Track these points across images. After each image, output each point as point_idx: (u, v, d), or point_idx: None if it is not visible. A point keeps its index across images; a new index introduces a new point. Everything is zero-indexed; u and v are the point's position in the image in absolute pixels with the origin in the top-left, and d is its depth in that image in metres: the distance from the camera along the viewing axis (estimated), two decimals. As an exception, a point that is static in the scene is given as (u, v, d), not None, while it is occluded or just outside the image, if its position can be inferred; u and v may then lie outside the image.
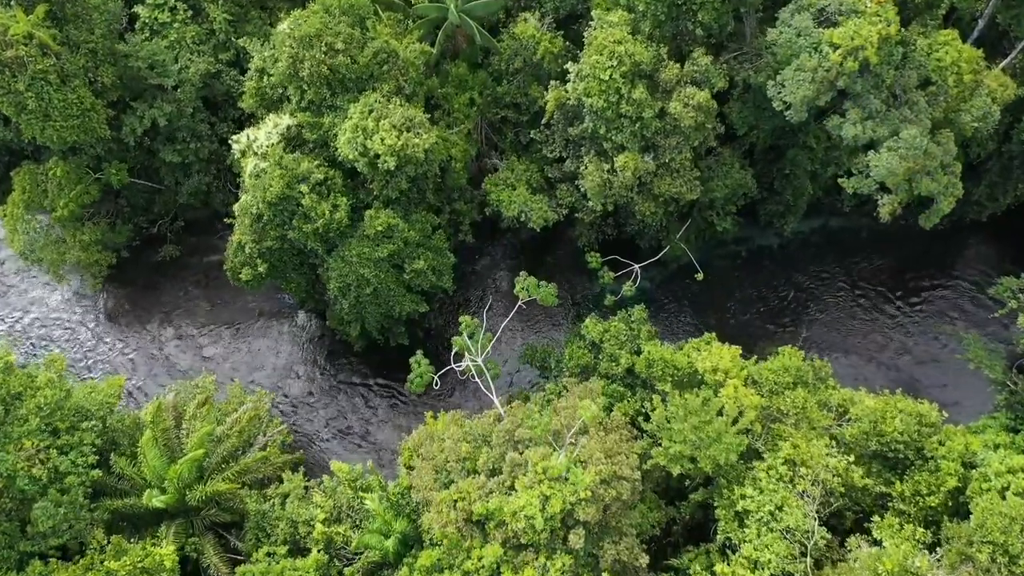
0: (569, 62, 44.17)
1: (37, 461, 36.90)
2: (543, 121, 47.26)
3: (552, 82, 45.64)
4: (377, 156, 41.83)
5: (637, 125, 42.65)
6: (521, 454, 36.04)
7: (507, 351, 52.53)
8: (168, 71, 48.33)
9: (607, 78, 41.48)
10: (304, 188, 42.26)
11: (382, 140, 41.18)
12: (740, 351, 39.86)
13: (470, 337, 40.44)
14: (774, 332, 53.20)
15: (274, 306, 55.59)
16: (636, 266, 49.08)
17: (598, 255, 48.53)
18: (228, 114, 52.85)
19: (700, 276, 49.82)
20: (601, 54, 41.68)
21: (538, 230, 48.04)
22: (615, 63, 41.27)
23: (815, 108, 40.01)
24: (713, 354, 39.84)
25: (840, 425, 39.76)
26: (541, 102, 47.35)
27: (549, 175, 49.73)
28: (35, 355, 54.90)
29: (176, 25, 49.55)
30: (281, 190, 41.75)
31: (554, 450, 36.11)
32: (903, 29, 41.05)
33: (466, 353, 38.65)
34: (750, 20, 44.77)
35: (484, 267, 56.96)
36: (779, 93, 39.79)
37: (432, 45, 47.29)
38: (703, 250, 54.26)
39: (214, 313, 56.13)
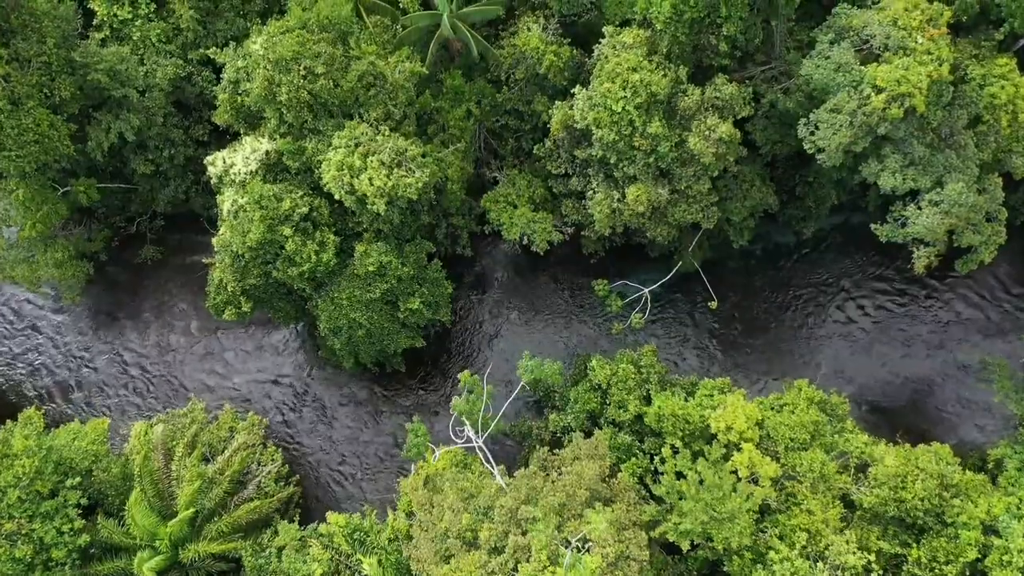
0: (577, 85, 39.49)
1: (19, 538, 35.40)
2: (547, 144, 42.96)
3: (557, 102, 41.09)
4: (366, 195, 38.13)
5: (652, 158, 38.63)
6: (524, 535, 34.57)
7: (510, 350, 50.02)
8: (132, 78, 43.42)
9: (619, 109, 37.15)
10: (287, 230, 38.61)
11: (370, 180, 37.33)
12: (756, 410, 37.68)
13: (470, 392, 38.13)
14: (786, 343, 50.75)
15: (263, 314, 52.63)
16: (646, 291, 45.83)
17: (606, 282, 45.28)
18: (204, 115, 48.14)
19: (714, 305, 46.73)
20: (613, 82, 37.12)
21: (542, 254, 44.61)
22: (629, 94, 36.83)
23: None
24: (728, 412, 37.71)
25: (858, 484, 38.14)
26: (545, 116, 42.85)
27: (554, 189, 45.75)
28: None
29: (138, 23, 44.21)
30: (262, 235, 38.18)
31: (557, 527, 34.65)
32: (954, 43, 36.41)
33: (465, 423, 36.37)
34: (780, 29, 39.85)
35: (484, 267, 53.75)
36: (811, 135, 35.65)
37: (424, 53, 42.33)
38: (716, 248, 51.06)
39: (199, 320, 53.18)
